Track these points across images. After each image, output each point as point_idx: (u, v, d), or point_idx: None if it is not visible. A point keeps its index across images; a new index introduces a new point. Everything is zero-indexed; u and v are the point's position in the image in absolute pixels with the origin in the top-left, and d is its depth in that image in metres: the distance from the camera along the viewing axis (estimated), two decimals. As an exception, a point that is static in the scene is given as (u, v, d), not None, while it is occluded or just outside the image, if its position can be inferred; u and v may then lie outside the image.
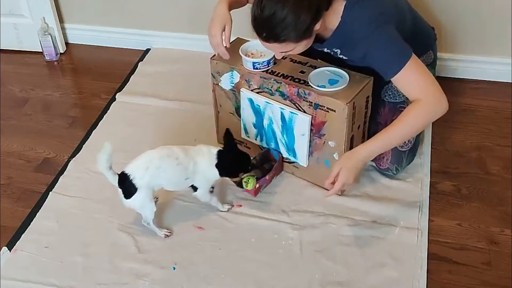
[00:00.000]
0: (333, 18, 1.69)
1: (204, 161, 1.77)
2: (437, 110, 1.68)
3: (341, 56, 1.83)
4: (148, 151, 1.76)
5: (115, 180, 1.72)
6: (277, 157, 1.98)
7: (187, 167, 1.75)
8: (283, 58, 1.88)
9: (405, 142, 1.91)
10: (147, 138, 2.22)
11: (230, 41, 1.87)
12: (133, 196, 1.71)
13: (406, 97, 1.93)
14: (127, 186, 1.71)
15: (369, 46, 1.66)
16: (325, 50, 1.85)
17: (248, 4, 1.92)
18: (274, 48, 1.68)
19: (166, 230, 1.84)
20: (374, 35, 1.65)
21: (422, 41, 2.00)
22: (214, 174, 1.79)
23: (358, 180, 1.67)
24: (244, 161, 1.83)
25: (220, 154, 1.78)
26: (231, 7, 1.86)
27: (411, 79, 1.66)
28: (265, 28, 1.60)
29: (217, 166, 1.77)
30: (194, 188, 1.82)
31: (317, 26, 1.63)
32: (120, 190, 1.73)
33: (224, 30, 1.82)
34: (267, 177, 1.93)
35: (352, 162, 1.68)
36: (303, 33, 1.61)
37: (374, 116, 1.95)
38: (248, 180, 1.88)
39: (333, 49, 1.82)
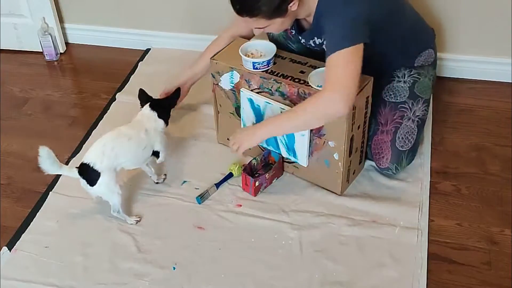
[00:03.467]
0: (312, 2, 1.71)
1: (150, 122, 1.93)
2: (330, 108, 1.65)
3: (318, 42, 1.86)
4: (98, 139, 1.85)
5: (74, 173, 1.78)
6: (277, 159, 1.98)
7: (139, 137, 1.88)
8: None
9: (405, 142, 1.91)
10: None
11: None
12: (98, 181, 1.77)
13: (407, 97, 1.94)
14: (90, 174, 1.77)
15: (328, 19, 1.68)
16: (311, 43, 1.87)
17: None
18: (246, 22, 1.71)
19: (135, 217, 1.89)
20: (336, 10, 1.65)
21: (422, 38, 2.00)
22: (161, 124, 1.96)
23: (242, 149, 1.86)
24: (168, 98, 2.08)
25: (152, 106, 1.96)
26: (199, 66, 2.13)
27: (338, 65, 1.63)
28: (239, 0, 1.63)
29: (159, 116, 1.95)
30: (157, 155, 1.94)
31: (294, 7, 1.64)
32: (83, 181, 1.79)
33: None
34: (266, 175, 1.93)
35: (243, 132, 1.87)
36: (275, 10, 1.63)
37: (375, 116, 1.95)
38: (235, 168, 1.98)
39: (313, 39, 1.84)
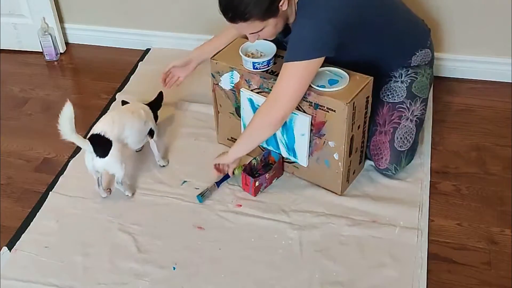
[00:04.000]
0: (294, 6, 1.71)
1: (142, 106, 2.05)
2: (266, 117, 1.75)
3: None
4: (104, 116, 1.95)
5: (84, 144, 1.79)
6: (277, 159, 1.98)
7: (139, 113, 1.98)
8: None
9: (403, 142, 1.91)
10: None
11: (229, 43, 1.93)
12: (111, 151, 1.81)
13: (405, 97, 1.94)
14: (102, 143, 1.81)
15: (294, 29, 1.70)
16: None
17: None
18: (241, 28, 1.70)
19: (132, 190, 1.98)
20: (304, 22, 1.66)
21: (418, 38, 2.00)
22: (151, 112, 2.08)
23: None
24: (155, 102, 2.17)
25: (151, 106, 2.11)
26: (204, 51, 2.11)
27: (286, 76, 1.69)
28: (229, 8, 1.63)
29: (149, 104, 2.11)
30: (151, 134, 2.03)
31: (284, 6, 1.65)
32: (91, 156, 1.82)
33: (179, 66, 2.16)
34: (266, 175, 1.93)
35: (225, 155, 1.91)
36: (266, 10, 1.62)
37: (373, 116, 1.95)
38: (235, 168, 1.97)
39: None
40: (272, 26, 1.69)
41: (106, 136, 1.82)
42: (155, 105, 2.15)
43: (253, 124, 1.80)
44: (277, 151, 1.99)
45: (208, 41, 2.13)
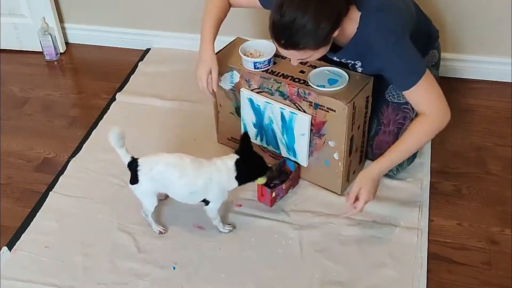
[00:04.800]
0: (350, 25, 1.66)
1: (222, 176, 1.72)
2: (441, 125, 1.72)
3: (348, 62, 1.82)
4: (163, 153, 1.76)
5: (126, 159, 1.71)
6: (293, 168, 1.95)
7: (195, 182, 1.71)
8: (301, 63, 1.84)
9: None
10: (147, 138, 2.22)
11: (229, 42, 1.88)
12: (135, 185, 1.73)
13: None
14: (132, 173, 1.72)
15: (386, 59, 1.66)
16: (336, 59, 1.83)
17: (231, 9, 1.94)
18: (291, 55, 1.65)
19: (162, 227, 1.85)
20: (393, 48, 1.64)
21: (426, 40, 1.99)
22: (232, 185, 1.74)
23: (375, 195, 1.74)
24: (261, 165, 1.77)
25: (238, 165, 1.71)
26: (215, 37, 1.88)
27: (422, 95, 1.68)
28: (285, 35, 1.57)
29: (237, 177, 1.72)
30: (206, 202, 1.77)
31: (336, 33, 1.61)
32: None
33: (210, 74, 1.86)
34: (283, 186, 1.91)
35: (369, 180, 1.71)
36: (322, 41, 1.59)
37: (377, 116, 1.95)
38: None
39: (348, 60, 1.81)
40: (321, 52, 1.65)
41: (138, 173, 1.70)
42: (257, 170, 1.76)
43: (425, 137, 1.73)
44: (276, 151, 1.99)
45: (206, 34, 1.94)
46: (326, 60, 1.88)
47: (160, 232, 1.84)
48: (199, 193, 1.74)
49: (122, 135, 1.68)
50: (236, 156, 1.73)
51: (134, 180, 1.72)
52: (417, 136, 1.72)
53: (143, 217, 1.84)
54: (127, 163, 1.72)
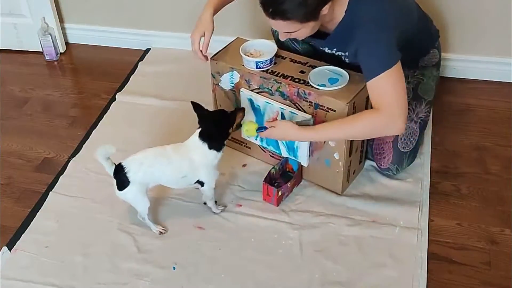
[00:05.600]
0: (339, 10, 1.67)
1: (197, 154, 1.76)
2: (389, 128, 1.67)
3: (339, 54, 1.82)
4: (147, 149, 1.79)
5: (111, 170, 1.73)
6: (296, 166, 1.95)
7: (181, 166, 1.76)
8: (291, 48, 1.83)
9: (407, 143, 1.91)
10: (147, 138, 2.22)
11: (230, 42, 1.87)
12: (125, 189, 1.73)
13: (411, 98, 1.94)
14: (121, 177, 1.73)
15: (362, 43, 1.65)
16: (326, 50, 1.84)
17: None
18: (278, 26, 1.65)
19: (161, 227, 1.85)
20: (370, 35, 1.63)
21: (427, 38, 1.99)
22: (212, 158, 1.77)
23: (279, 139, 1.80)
24: (225, 117, 1.78)
25: (202, 136, 1.76)
26: (216, 10, 1.90)
27: (383, 88, 1.63)
28: (273, 3, 1.58)
29: (210, 147, 1.75)
30: (201, 183, 1.81)
31: (325, 10, 1.61)
32: (114, 181, 1.75)
33: (203, 36, 1.87)
34: (288, 184, 1.91)
35: (285, 133, 1.76)
36: (310, 14, 1.59)
37: None
38: (245, 125, 1.82)
39: (334, 48, 1.81)
40: (309, 28, 1.66)
41: (128, 175, 1.71)
42: (224, 127, 1.77)
43: (366, 126, 1.68)
44: (276, 151, 1.99)
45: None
46: (325, 59, 1.88)
47: (160, 233, 1.84)
48: (190, 176, 1.78)
49: (111, 151, 1.69)
50: (196, 132, 1.78)
51: (124, 183, 1.72)
52: (359, 126, 1.67)
53: (140, 221, 1.84)
54: (112, 171, 1.72)
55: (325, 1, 1.59)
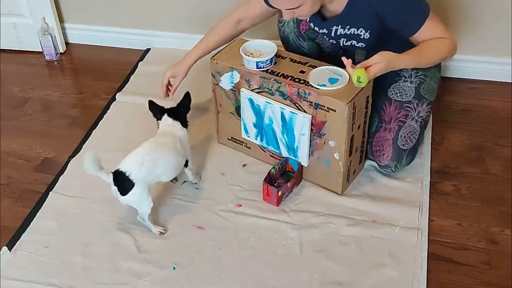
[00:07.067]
0: None
1: (176, 129, 1.91)
2: (454, 50, 1.83)
3: (348, 43, 1.88)
4: (137, 149, 1.80)
5: (109, 179, 1.72)
6: (296, 166, 1.95)
7: (176, 147, 1.86)
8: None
9: (406, 141, 1.91)
10: (147, 138, 2.20)
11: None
12: (131, 192, 1.72)
13: (413, 97, 1.94)
14: (123, 182, 1.72)
15: (387, 6, 1.73)
16: (333, 41, 1.87)
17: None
18: (280, 2, 1.70)
19: (161, 228, 1.85)
20: None
21: None
22: (185, 132, 1.95)
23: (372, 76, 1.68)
24: (184, 104, 1.99)
25: (171, 113, 1.94)
26: (199, 59, 2.10)
27: (428, 33, 1.76)
28: None
29: (183, 124, 1.95)
30: (186, 164, 1.92)
31: None
32: (115, 188, 1.74)
33: (173, 78, 2.11)
34: (288, 184, 1.91)
35: (390, 62, 1.70)
36: None
37: (378, 113, 1.95)
38: (355, 74, 1.65)
39: (347, 26, 1.84)
40: (309, 4, 1.70)
41: (131, 177, 1.71)
42: (184, 110, 1.98)
43: (442, 51, 1.81)
44: (276, 151, 1.99)
45: (197, 46, 2.11)
46: (328, 58, 1.89)
47: (160, 233, 1.84)
48: (183, 155, 1.89)
49: (97, 159, 1.68)
50: (165, 116, 1.93)
51: (127, 186, 1.72)
52: (438, 47, 1.78)
53: (140, 222, 1.84)
54: (112, 178, 1.72)
55: None
